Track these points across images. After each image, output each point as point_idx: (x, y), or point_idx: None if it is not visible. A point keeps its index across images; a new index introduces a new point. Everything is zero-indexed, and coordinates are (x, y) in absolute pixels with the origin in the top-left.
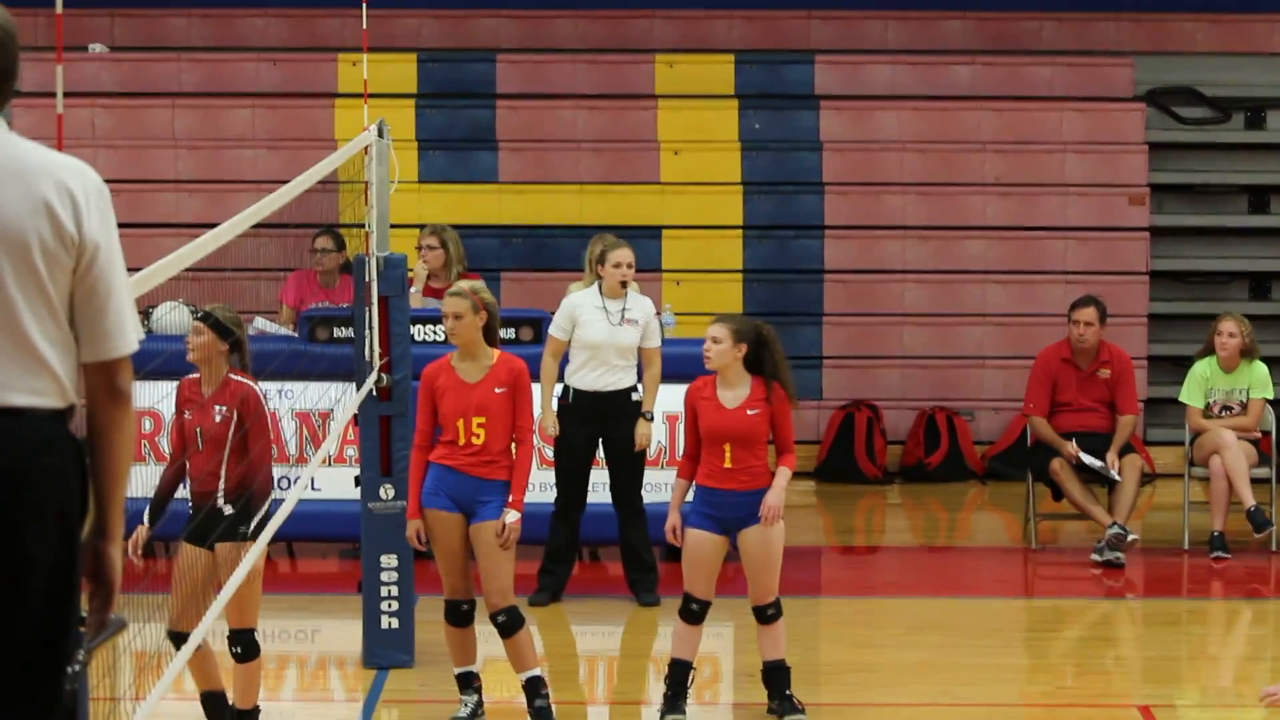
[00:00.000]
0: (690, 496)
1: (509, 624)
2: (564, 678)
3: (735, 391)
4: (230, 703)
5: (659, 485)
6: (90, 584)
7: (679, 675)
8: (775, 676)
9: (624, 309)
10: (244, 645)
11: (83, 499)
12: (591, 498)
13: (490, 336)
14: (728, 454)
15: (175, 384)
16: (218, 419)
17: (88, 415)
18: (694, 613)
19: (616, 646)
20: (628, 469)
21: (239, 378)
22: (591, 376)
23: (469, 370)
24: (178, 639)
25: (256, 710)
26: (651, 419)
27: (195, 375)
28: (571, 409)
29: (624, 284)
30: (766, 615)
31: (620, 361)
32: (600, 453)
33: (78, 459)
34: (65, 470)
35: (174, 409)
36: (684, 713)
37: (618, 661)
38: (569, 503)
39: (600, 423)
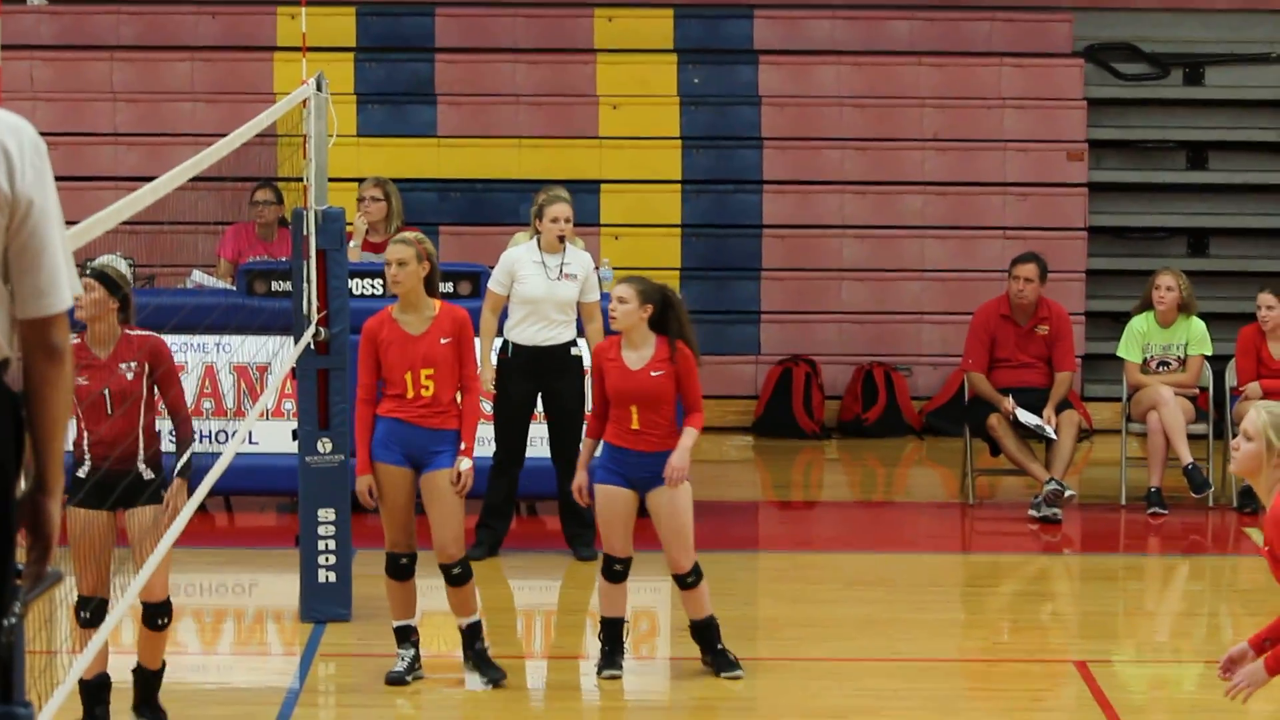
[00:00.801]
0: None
1: (462, 575)
2: (501, 632)
3: (640, 353)
4: (138, 665)
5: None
6: (28, 537)
7: (613, 632)
8: (705, 633)
9: (563, 264)
10: (169, 615)
11: (18, 452)
12: (530, 452)
13: (431, 288)
14: (635, 415)
15: None
16: (129, 376)
17: (24, 371)
18: (617, 573)
19: (554, 601)
20: (567, 424)
21: (139, 331)
22: (531, 331)
23: (412, 323)
24: (88, 605)
25: (164, 667)
26: None
27: (77, 339)
28: (511, 364)
29: (561, 238)
30: (686, 583)
31: (559, 316)
32: (540, 407)
33: (13, 413)
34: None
35: None
36: (620, 668)
37: (555, 616)
38: (508, 457)
39: (540, 377)
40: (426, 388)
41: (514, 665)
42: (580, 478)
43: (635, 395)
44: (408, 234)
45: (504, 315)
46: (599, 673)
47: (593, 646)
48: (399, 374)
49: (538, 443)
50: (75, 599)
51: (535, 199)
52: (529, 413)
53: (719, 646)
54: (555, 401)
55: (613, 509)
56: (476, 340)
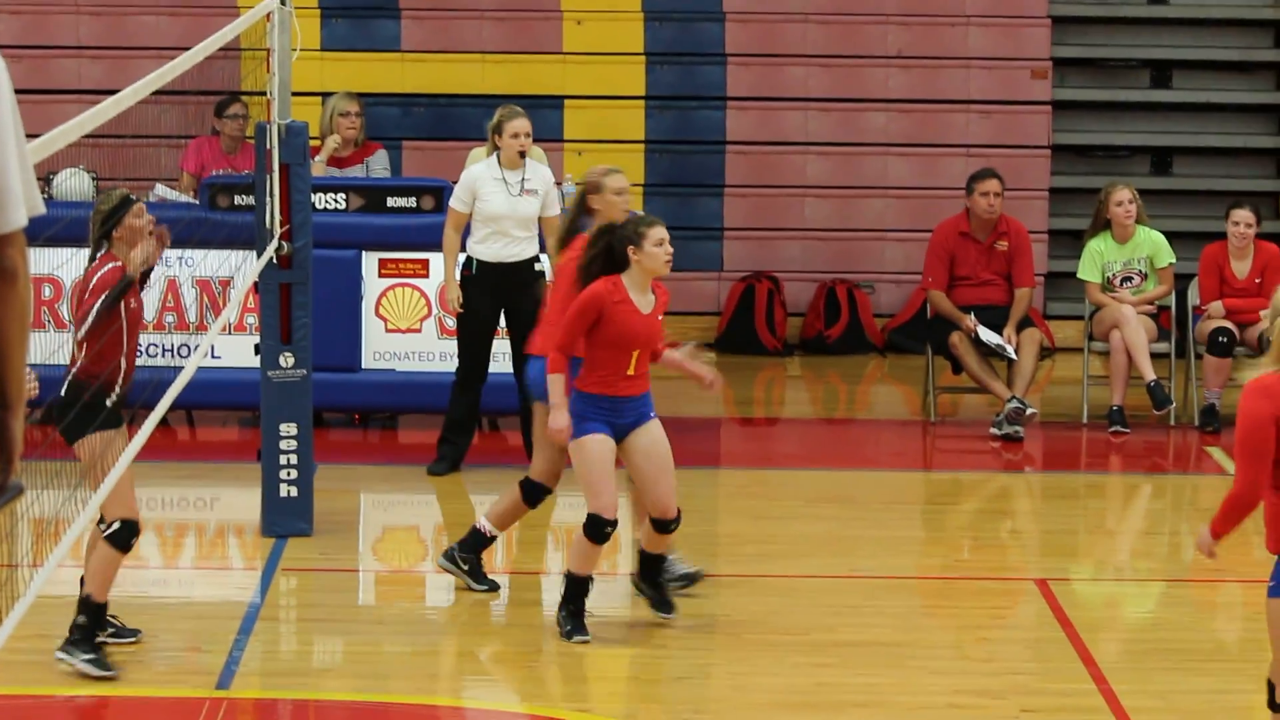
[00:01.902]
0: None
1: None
2: (421, 545)
3: (647, 296)
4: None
5: None
6: None
7: (581, 590)
8: (656, 566)
9: (523, 179)
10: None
11: None
12: (493, 368)
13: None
14: (634, 361)
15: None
16: (133, 304)
17: None
18: (607, 534)
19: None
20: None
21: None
22: (495, 248)
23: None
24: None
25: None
26: None
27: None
28: (474, 280)
29: (522, 154)
30: (671, 528)
31: (521, 233)
32: (503, 323)
33: None
34: None
35: (116, 297)
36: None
37: (516, 532)
38: (470, 373)
39: (503, 293)
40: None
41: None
42: (564, 418)
43: (643, 339)
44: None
45: (467, 231)
46: (571, 636)
47: (554, 562)
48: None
49: (500, 358)
50: (114, 528)
51: (495, 115)
52: (492, 329)
53: (663, 581)
54: (518, 318)
55: (607, 461)
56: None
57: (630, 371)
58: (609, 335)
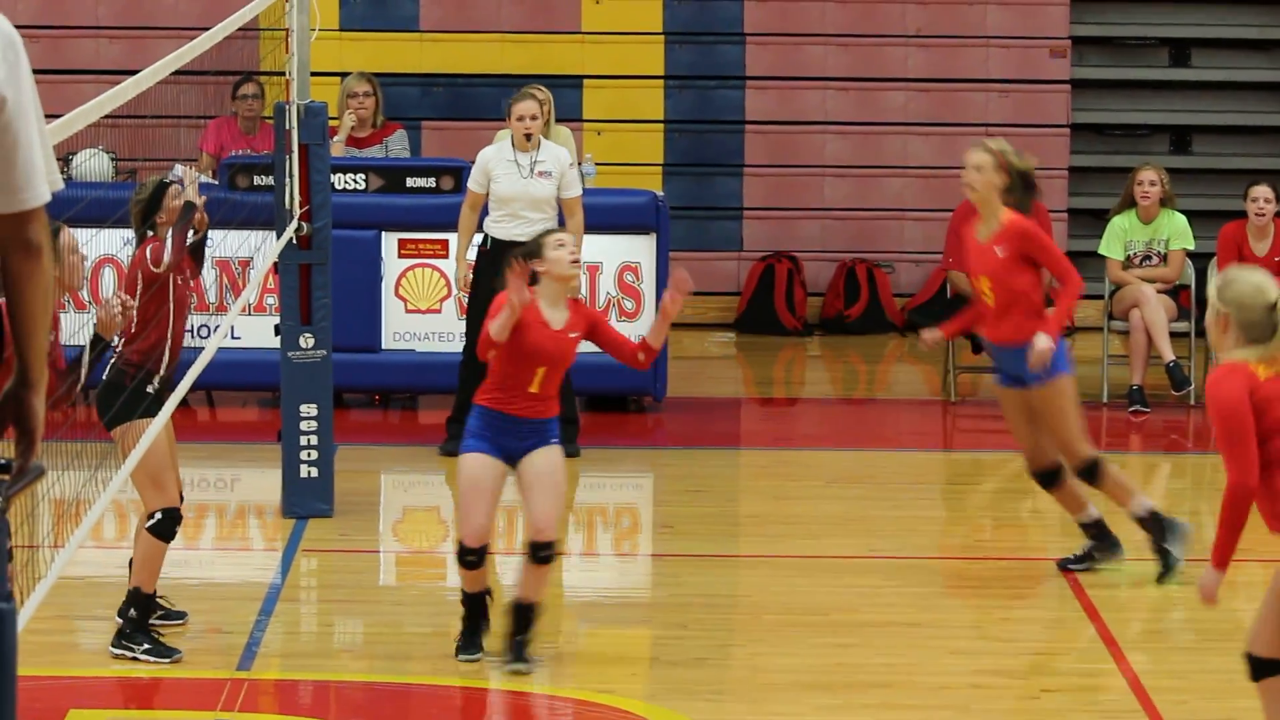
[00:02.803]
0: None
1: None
2: (441, 526)
3: (560, 312)
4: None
5: None
6: (14, 432)
7: (475, 608)
8: (525, 616)
9: (535, 161)
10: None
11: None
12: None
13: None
14: (539, 379)
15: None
16: (179, 281)
17: (3, 268)
18: (471, 563)
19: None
20: None
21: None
22: (508, 228)
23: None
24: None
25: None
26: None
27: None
28: (489, 256)
29: (529, 136)
30: (541, 556)
31: (534, 214)
32: None
33: None
34: None
35: (184, 220)
36: (482, 649)
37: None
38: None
39: None
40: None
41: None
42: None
43: (549, 357)
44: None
45: (486, 212)
46: (457, 654)
47: (574, 544)
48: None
49: None
50: (155, 519)
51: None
52: None
53: (523, 637)
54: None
55: (480, 485)
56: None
57: (533, 389)
58: (514, 346)
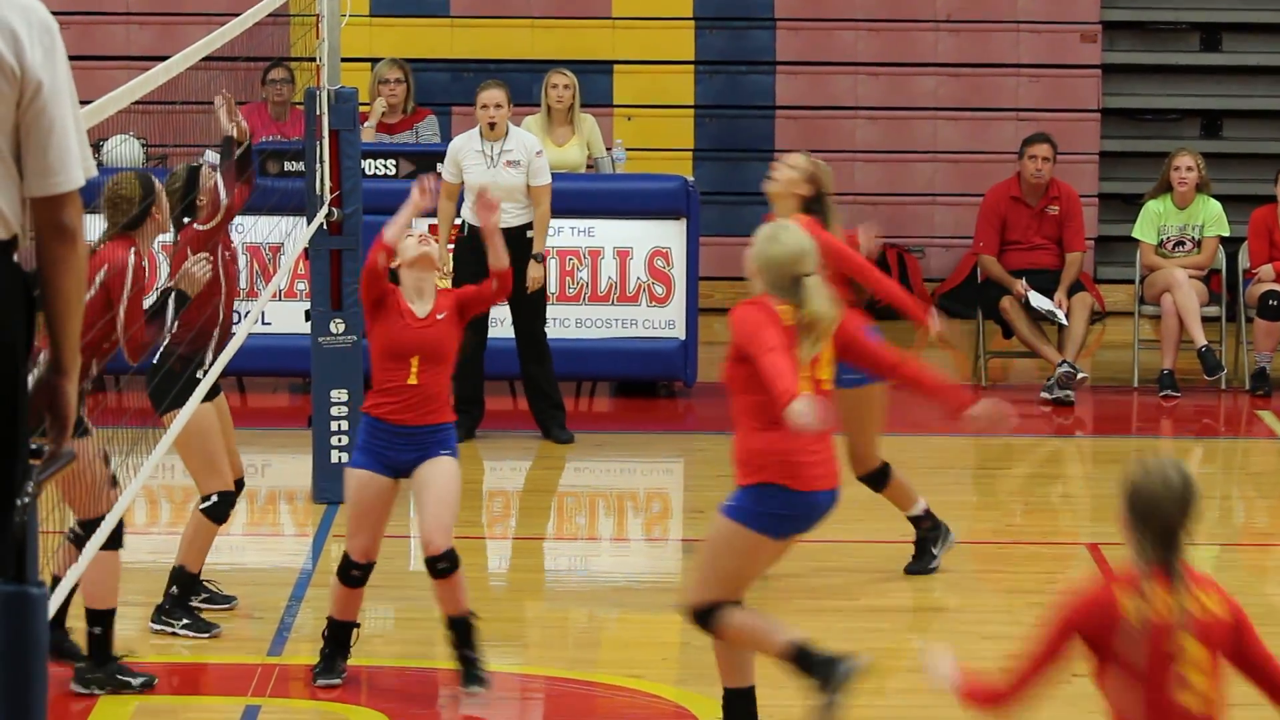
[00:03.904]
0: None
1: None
2: (468, 513)
3: (425, 303)
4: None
5: (565, 320)
6: (46, 418)
7: (341, 636)
8: (462, 630)
9: (503, 150)
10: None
11: (28, 331)
12: (492, 333)
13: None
14: (414, 370)
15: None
16: (225, 255)
17: (36, 252)
18: (355, 578)
19: (520, 483)
20: (528, 306)
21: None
22: None
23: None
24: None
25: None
26: (542, 260)
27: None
28: (466, 244)
29: (492, 125)
30: (439, 569)
31: (507, 203)
32: None
33: (21, 291)
34: (7, 301)
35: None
36: (341, 675)
37: (568, 498)
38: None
39: None
40: None
41: (475, 545)
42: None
43: (419, 346)
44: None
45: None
46: (314, 679)
47: (603, 529)
48: None
49: (498, 324)
50: (211, 501)
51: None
52: None
53: (470, 653)
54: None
55: (366, 501)
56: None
57: (412, 380)
58: (382, 342)
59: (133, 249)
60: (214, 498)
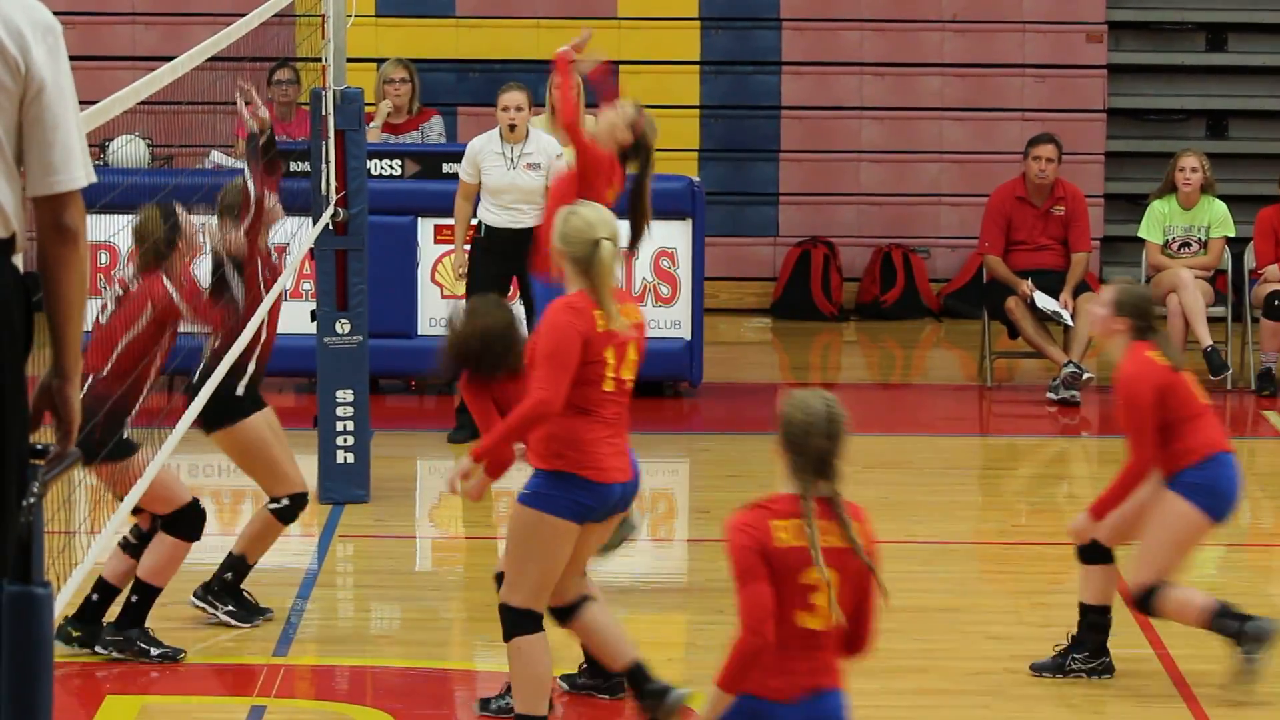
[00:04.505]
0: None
1: None
2: (480, 510)
3: None
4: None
5: None
6: (52, 420)
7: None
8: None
9: (523, 153)
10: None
11: (26, 330)
12: None
13: None
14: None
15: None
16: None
17: (38, 252)
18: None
19: None
20: (541, 308)
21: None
22: (500, 215)
23: None
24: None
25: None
26: None
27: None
28: (482, 243)
29: (512, 127)
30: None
31: (524, 205)
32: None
33: (18, 289)
34: (3, 299)
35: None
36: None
37: None
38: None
39: (510, 260)
40: None
41: (487, 546)
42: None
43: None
44: None
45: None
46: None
47: None
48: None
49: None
50: (282, 504)
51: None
52: (502, 295)
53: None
54: (525, 283)
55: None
56: None
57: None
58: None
59: (165, 278)
60: (285, 500)
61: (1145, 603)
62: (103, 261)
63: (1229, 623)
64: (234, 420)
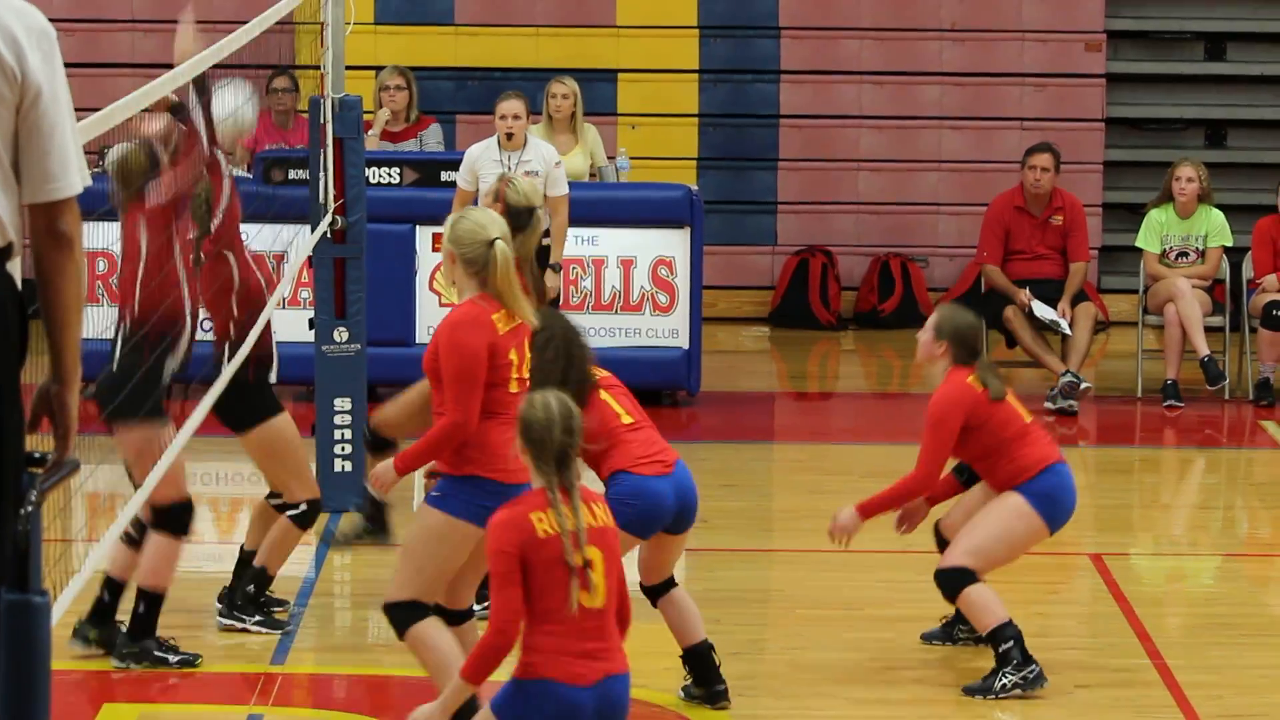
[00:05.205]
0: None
1: None
2: None
3: None
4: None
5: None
6: (50, 427)
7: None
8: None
9: (521, 160)
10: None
11: (21, 337)
12: None
13: None
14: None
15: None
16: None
17: (34, 259)
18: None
19: None
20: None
21: None
22: None
23: None
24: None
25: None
26: (559, 269)
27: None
28: None
29: (510, 135)
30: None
31: None
32: None
33: (14, 297)
34: None
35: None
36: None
37: None
38: None
39: None
40: None
41: None
42: None
43: None
44: None
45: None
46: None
47: None
48: None
49: None
50: (301, 509)
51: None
52: None
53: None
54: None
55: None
56: None
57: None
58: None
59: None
60: (303, 505)
61: (953, 584)
62: (101, 269)
63: (1011, 648)
64: (267, 417)
